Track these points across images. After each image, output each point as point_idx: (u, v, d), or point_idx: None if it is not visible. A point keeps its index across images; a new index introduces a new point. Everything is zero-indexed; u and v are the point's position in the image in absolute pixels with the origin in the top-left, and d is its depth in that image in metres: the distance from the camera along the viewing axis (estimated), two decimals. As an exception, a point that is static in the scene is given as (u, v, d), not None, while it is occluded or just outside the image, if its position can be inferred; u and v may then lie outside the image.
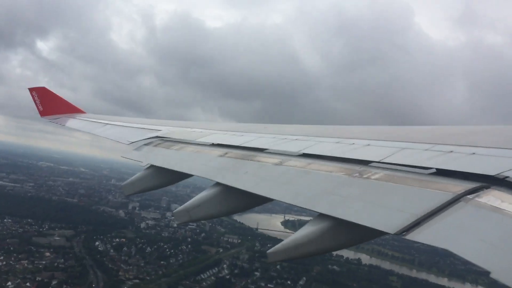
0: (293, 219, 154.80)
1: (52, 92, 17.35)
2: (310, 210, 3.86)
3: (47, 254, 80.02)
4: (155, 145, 8.25)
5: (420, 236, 2.84)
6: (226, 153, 6.33)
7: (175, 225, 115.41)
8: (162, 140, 8.52)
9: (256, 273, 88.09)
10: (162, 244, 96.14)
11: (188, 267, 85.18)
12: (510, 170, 3.19)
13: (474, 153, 3.81)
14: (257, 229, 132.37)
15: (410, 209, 3.16)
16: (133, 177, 7.06)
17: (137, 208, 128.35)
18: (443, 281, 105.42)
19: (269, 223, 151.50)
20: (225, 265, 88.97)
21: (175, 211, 5.34)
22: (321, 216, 3.75)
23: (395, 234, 2.95)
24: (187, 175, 6.40)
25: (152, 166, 6.96)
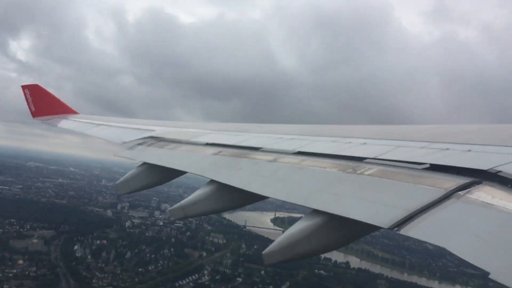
0: (283, 216, 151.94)
1: (45, 90, 17.07)
2: (303, 206, 3.83)
3: (20, 262, 77.91)
4: (149, 145, 8.17)
5: (413, 231, 2.85)
6: (220, 152, 6.31)
7: (161, 223, 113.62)
8: (156, 140, 8.42)
9: (238, 278, 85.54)
10: (144, 247, 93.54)
11: (167, 273, 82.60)
12: (503, 165, 3.22)
13: (470, 150, 3.84)
14: (244, 226, 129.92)
15: (403, 204, 3.18)
16: (127, 175, 6.96)
17: (126, 208, 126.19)
18: (434, 284, 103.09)
19: (259, 220, 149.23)
20: (206, 272, 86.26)
21: (170, 208, 5.33)
22: (314, 212, 3.73)
23: (388, 228, 2.98)
24: (181, 172, 6.33)
25: (145, 163, 6.90)
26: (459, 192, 3.09)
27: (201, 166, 5.97)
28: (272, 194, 4.40)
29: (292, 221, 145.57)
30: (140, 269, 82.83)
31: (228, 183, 4.92)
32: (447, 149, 4.05)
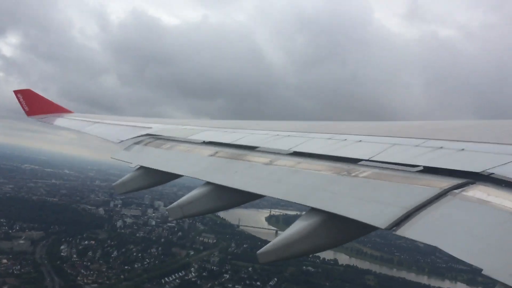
0: (278, 213, 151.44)
1: (38, 94, 17.18)
2: (301, 204, 3.86)
3: (4, 261, 77.01)
4: (145, 144, 8.11)
5: (409, 232, 2.86)
6: (217, 152, 6.29)
7: (153, 223, 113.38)
8: (153, 138, 8.35)
9: (225, 275, 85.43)
10: (131, 246, 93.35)
11: (153, 271, 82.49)
12: (495, 167, 3.25)
13: (463, 149, 3.86)
14: (238, 226, 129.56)
15: (399, 203, 3.20)
16: (124, 178, 6.98)
17: (119, 206, 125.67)
18: (423, 279, 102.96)
19: (253, 219, 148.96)
20: (192, 269, 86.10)
21: (168, 207, 5.36)
22: (311, 213, 3.76)
23: (386, 229, 2.99)
24: (178, 176, 6.34)
25: (142, 167, 6.88)
26: (454, 191, 3.16)
27: (198, 169, 5.98)
28: (269, 193, 4.44)
29: (286, 218, 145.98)
30: (126, 267, 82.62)
31: (226, 185, 4.96)
32: (441, 147, 4.09)
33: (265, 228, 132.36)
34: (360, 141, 5.10)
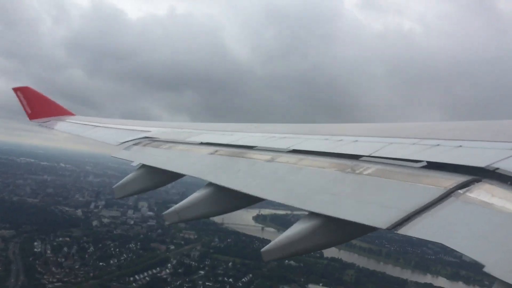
0: (267, 213, 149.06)
1: (37, 92, 17.05)
2: (302, 209, 3.80)
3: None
4: (144, 145, 8.19)
5: (411, 230, 2.83)
6: (216, 151, 6.25)
7: (131, 222, 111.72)
8: (151, 140, 8.42)
9: (200, 271, 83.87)
10: (109, 242, 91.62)
11: (128, 267, 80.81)
12: (499, 161, 3.18)
13: (460, 146, 3.82)
14: (222, 224, 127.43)
15: (401, 205, 3.14)
16: (124, 179, 6.87)
17: (100, 207, 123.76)
18: (406, 273, 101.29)
19: (240, 217, 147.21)
20: (169, 264, 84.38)
21: (165, 212, 5.26)
22: (312, 214, 3.70)
23: (387, 229, 2.95)
24: (179, 175, 6.25)
25: (142, 167, 6.84)
26: (459, 191, 3.05)
27: (199, 167, 5.90)
28: (269, 196, 4.34)
29: (274, 218, 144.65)
30: (100, 263, 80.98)
31: (227, 186, 4.83)
32: (438, 145, 4.00)
33: (251, 225, 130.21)
34: (356, 141, 5.00)
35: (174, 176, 6.48)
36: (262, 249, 3.82)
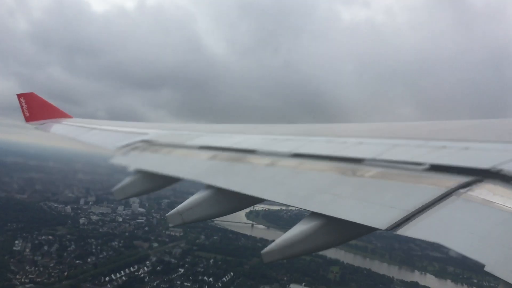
0: (260, 209, 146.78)
1: (40, 98, 17.12)
2: (303, 209, 3.88)
3: None
4: (143, 150, 8.06)
5: (410, 231, 2.85)
6: (216, 156, 6.26)
7: (120, 220, 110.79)
8: (150, 144, 8.27)
9: (180, 269, 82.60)
10: (92, 240, 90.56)
11: (105, 265, 79.66)
12: (503, 163, 3.19)
13: (467, 148, 3.82)
14: (212, 221, 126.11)
15: (402, 205, 3.18)
16: (123, 183, 6.91)
17: (90, 203, 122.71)
18: (393, 269, 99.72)
19: (232, 214, 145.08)
20: (148, 262, 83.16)
21: (168, 214, 5.24)
22: (314, 214, 3.76)
23: (386, 230, 2.98)
24: (178, 179, 6.22)
25: (141, 171, 6.81)
26: (460, 190, 3.07)
27: (198, 171, 5.86)
28: (270, 196, 4.38)
29: (267, 214, 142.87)
30: (77, 261, 79.86)
31: (227, 188, 4.84)
32: (444, 147, 4.01)
33: (242, 222, 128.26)
34: (361, 143, 4.97)
35: (173, 180, 6.42)
36: (263, 251, 3.82)
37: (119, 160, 7.86)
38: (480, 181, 3.10)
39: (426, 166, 3.66)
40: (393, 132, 5.42)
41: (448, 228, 2.72)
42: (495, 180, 3.05)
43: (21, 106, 16.77)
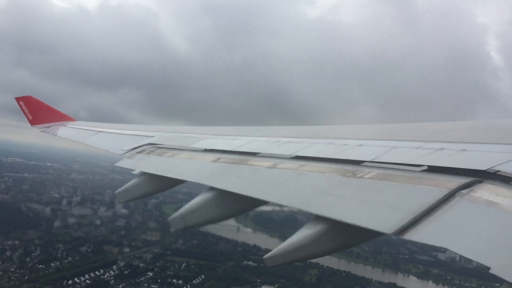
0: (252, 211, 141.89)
1: (39, 101, 17.12)
2: (305, 211, 3.83)
3: None
4: (148, 153, 8.14)
5: (418, 235, 2.80)
6: (219, 159, 6.28)
7: (98, 223, 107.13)
8: (155, 147, 8.39)
9: (149, 273, 78.66)
10: (60, 245, 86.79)
11: (70, 269, 75.92)
12: (501, 164, 3.20)
13: (464, 150, 3.82)
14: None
15: (406, 207, 3.12)
16: (127, 185, 7.00)
17: (74, 203, 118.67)
18: (377, 272, 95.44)
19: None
20: (114, 266, 79.22)
21: (170, 218, 5.29)
22: (317, 219, 3.70)
23: (393, 234, 2.90)
24: (181, 181, 6.30)
25: (144, 173, 6.88)
26: (462, 191, 3.05)
27: (201, 174, 5.90)
28: (272, 198, 4.34)
29: (257, 216, 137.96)
30: (40, 266, 76.12)
31: (230, 190, 4.86)
32: (442, 149, 3.99)
33: (228, 225, 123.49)
34: (361, 145, 4.99)
35: (177, 182, 6.43)
36: (265, 256, 3.80)
37: (125, 163, 7.87)
38: (480, 181, 3.08)
39: (425, 168, 3.67)
40: (393, 134, 5.40)
41: (455, 232, 2.66)
42: (495, 180, 3.03)
43: (22, 110, 16.68)
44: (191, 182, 5.81)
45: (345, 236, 3.60)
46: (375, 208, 3.32)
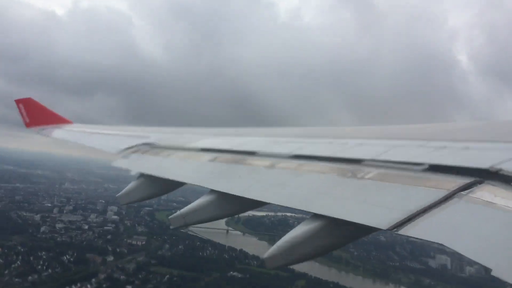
0: (244, 215, 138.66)
1: (38, 103, 17.04)
2: (305, 211, 3.86)
3: None
4: (143, 152, 8.09)
5: (412, 231, 2.83)
6: (217, 158, 6.27)
7: (86, 227, 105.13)
8: (150, 147, 8.33)
9: (128, 286, 76.32)
10: (43, 253, 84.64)
11: (48, 282, 73.67)
12: (502, 162, 3.19)
13: (467, 148, 3.83)
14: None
15: (403, 206, 3.15)
16: (127, 188, 6.91)
17: (65, 211, 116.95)
18: (368, 282, 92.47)
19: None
20: (93, 280, 76.82)
21: (170, 216, 5.30)
22: (315, 216, 3.74)
23: (388, 229, 2.97)
24: (181, 184, 6.24)
25: (144, 175, 6.85)
26: (461, 192, 3.04)
27: (199, 175, 5.88)
28: (271, 199, 4.35)
29: (249, 221, 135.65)
30: (16, 280, 73.87)
31: (229, 192, 4.86)
32: (444, 147, 4.01)
33: (218, 229, 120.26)
34: (361, 144, 4.99)
35: (177, 184, 6.36)
36: (264, 256, 3.75)
37: (120, 163, 7.80)
38: (480, 182, 3.06)
39: (426, 167, 3.66)
40: (394, 133, 5.43)
41: (452, 229, 2.67)
42: (495, 181, 3.01)
43: (20, 112, 16.57)
44: (190, 184, 5.81)
45: (342, 232, 3.63)
46: (372, 208, 3.34)
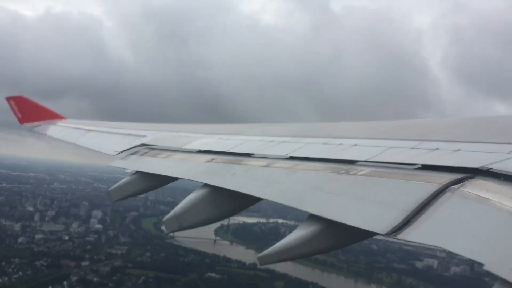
0: (235, 223, 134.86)
1: (30, 100, 16.81)
2: (298, 209, 3.81)
3: None
4: (142, 154, 8.08)
5: (411, 235, 2.79)
6: (213, 159, 6.34)
7: (66, 238, 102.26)
8: (149, 149, 8.33)
9: (100, 288, 73.68)
10: (15, 259, 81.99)
11: (17, 286, 71.15)
12: (494, 163, 3.24)
13: (459, 150, 3.83)
14: (173, 236, 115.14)
15: (398, 204, 3.14)
16: (120, 182, 6.98)
17: (47, 218, 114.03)
18: (349, 282, 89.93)
19: (199, 229, 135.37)
20: (65, 282, 74.17)
21: (164, 219, 5.17)
22: (312, 218, 3.72)
23: (386, 234, 2.89)
24: (174, 178, 6.37)
25: (139, 172, 6.92)
26: (453, 186, 3.08)
27: (195, 173, 5.89)
28: (266, 195, 4.39)
29: (239, 229, 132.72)
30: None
31: (223, 186, 4.88)
32: (437, 148, 4.02)
33: (206, 239, 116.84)
34: (356, 145, 5.01)
35: (170, 179, 6.48)
36: (259, 255, 3.81)
37: (118, 164, 7.85)
38: (471, 177, 3.11)
39: (418, 166, 3.72)
40: (388, 132, 5.44)
41: (448, 230, 2.67)
42: (485, 177, 3.07)
43: (12, 109, 16.42)
44: (184, 179, 5.90)
45: (340, 236, 3.62)
46: (368, 206, 3.35)
